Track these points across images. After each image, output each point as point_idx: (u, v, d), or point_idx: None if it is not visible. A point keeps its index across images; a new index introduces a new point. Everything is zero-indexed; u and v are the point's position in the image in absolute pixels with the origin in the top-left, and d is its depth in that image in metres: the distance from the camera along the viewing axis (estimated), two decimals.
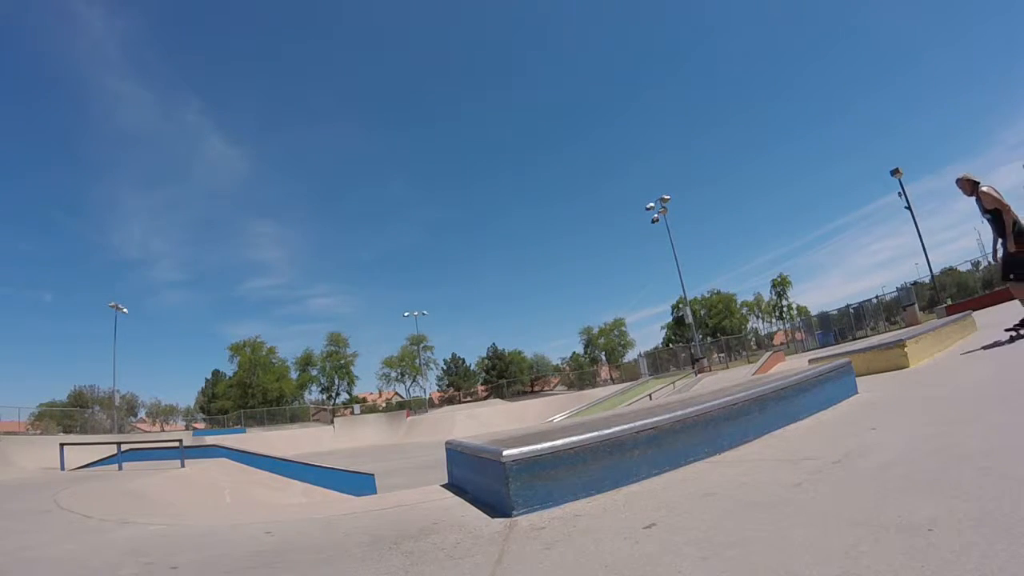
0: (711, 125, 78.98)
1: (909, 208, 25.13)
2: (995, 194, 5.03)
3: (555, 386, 46.70)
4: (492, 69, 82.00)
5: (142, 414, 46.68)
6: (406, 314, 45.82)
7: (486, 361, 51.58)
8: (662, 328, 52.68)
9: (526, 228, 78.13)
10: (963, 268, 32.41)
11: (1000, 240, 5.12)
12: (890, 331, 21.70)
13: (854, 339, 24.45)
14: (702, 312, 48.07)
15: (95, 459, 11.90)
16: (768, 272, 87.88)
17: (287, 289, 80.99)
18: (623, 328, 51.24)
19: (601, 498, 2.35)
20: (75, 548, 2.86)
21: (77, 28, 62.95)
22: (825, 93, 73.57)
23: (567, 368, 50.32)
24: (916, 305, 23.11)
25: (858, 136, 70.63)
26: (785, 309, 49.32)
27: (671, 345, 43.59)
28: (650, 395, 17.69)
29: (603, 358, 50.46)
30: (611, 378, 41.97)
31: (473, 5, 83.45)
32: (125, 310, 36.51)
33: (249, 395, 43.81)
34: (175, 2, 68.46)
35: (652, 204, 29.37)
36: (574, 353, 52.69)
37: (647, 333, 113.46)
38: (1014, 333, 5.15)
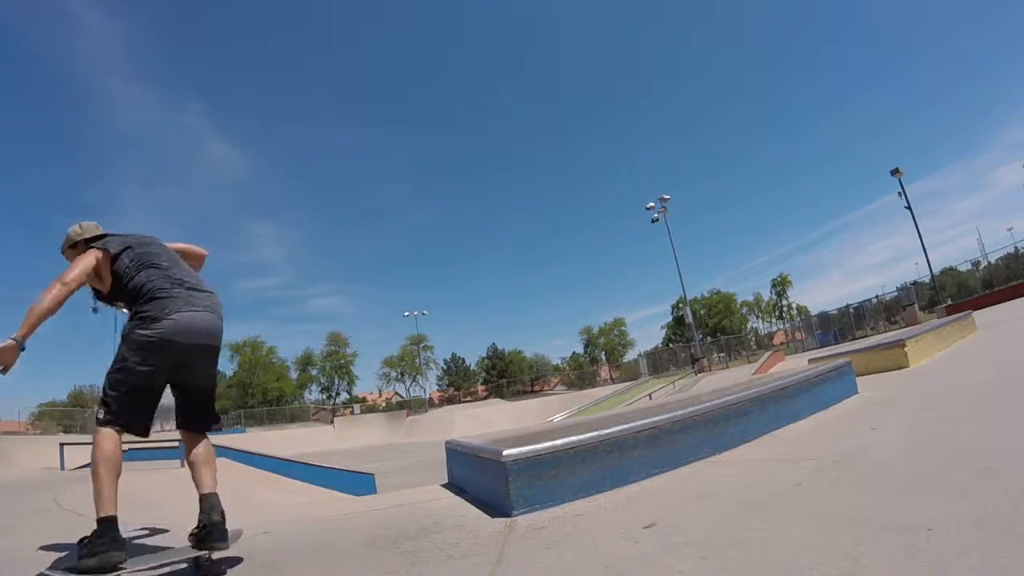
0: (711, 124, 78.99)
1: (909, 208, 25.13)
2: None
3: (555, 386, 46.66)
4: (493, 68, 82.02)
5: None
6: (406, 314, 45.84)
7: (486, 361, 51.60)
8: (662, 328, 52.78)
9: (526, 227, 78.12)
10: (963, 268, 32.38)
11: None
12: (890, 331, 21.68)
13: (854, 339, 24.40)
14: (702, 312, 48.08)
15: None
16: (768, 272, 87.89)
17: (287, 289, 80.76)
18: (623, 328, 51.34)
19: (601, 498, 2.34)
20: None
21: (77, 30, 63.01)
22: (824, 92, 73.53)
23: (567, 368, 50.31)
24: (916, 305, 23.07)
25: (858, 136, 70.68)
26: (785, 309, 49.38)
27: (671, 345, 43.56)
28: (650, 395, 17.70)
29: (603, 358, 50.47)
30: (611, 378, 41.91)
31: (473, 5, 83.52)
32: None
33: (249, 395, 43.80)
34: (175, 3, 68.52)
35: (652, 204, 29.37)
36: (574, 353, 52.79)
37: (647, 333, 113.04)
38: None
